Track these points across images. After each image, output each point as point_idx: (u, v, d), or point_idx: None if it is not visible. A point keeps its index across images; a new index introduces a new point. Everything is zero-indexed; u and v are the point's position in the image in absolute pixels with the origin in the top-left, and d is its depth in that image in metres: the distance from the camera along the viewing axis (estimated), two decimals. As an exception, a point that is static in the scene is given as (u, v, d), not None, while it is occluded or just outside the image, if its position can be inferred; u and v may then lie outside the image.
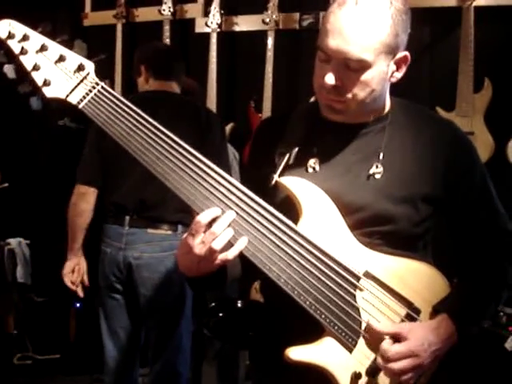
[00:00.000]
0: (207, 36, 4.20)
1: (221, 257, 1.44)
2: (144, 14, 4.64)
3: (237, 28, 4.30)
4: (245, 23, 4.28)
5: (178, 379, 3.13)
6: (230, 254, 1.45)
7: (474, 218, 1.65)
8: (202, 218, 1.42)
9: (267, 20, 3.99)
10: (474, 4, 3.38)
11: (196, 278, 1.52)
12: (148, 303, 3.01)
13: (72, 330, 4.26)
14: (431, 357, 1.49)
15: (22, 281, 4.26)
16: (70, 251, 3.16)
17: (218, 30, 4.18)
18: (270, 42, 3.99)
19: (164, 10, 4.34)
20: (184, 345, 3.13)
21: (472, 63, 3.36)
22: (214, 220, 1.43)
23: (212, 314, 3.18)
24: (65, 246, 4.43)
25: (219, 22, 4.17)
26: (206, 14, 4.26)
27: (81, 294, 3.20)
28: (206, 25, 4.19)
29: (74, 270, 3.17)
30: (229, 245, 1.45)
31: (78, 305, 4.26)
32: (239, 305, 3.16)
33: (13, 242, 4.28)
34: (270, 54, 3.98)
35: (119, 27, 4.59)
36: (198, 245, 1.42)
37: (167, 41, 4.29)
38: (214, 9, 4.16)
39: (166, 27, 4.33)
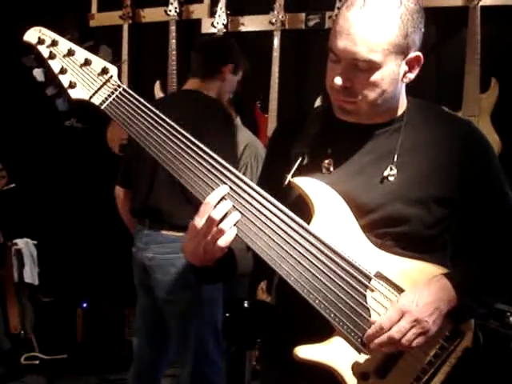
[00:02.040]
0: (213, 36, 4.20)
1: (220, 241, 1.45)
2: (150, 14, 4.65)
3: (243, 28, 4.30)
4: (251, 23, 4.28)
5: None
6: (226, 238, 1.46)
7: (490, 219, 1.64)
8: (211, 198, 1.45)
9: (273, 20, 3.99)
10: (481, 3, 3.37)
11: (202, 268, 1.54)
12: (163, 306, 3.01)
13: (79, 330, 4.27)
14: (427, 311, 1.46)
15: (30, 281, 4.28)
16: None
17: (224, 30, 4.18)
18: (276, 42, 3.99)
19: (170, 11, 4.34)
20: (211, 355, 3.04)
21: (478, 63, 3.36)
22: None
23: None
24: (72, 246, 4.47)
25: (225, 22, 4.17)
26: (212, 14, 4.26)
27: None
28: (212, 25, 4.19)
29: None
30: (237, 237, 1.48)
31: (84, 305, 4.28)
32: (246, 305, 3.16)
33: (20, 242, 4.30)
34: (276, 54, 3.98)
35: (125, 28, 4.60)
36: (205, 225, 1.44)
37: (173, 41, 4.30)
38: (220, 9, 4.17)
39: (172, 28, 4.33)
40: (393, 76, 1.51)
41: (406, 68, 1.53)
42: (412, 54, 1.52)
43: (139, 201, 3.03)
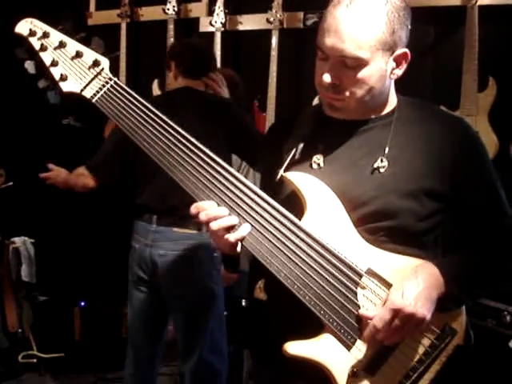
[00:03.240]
0: (211, 35, 4.20)
1: (228, 237, 1.51)
2: (148, 13, 4.65)
3: (241, 27, 4.31)
4: (249, 22, 4.28)
5: (215, 377, 3.13)
6: (234, 236, 1.51)
7: (480, 216, 1.64)
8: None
9: (271, 19, 4.00)
10: (479, 3, 3.37)
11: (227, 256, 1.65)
12: (173, 301, 3.04)
13: (77, 329, 4.27)
14: (417, 302, 1.46)
15: (27, 279, 4.27)
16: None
17: (222, 29, 4.19)
18: (275, 41, 3.99)
19: (168, 9, 4.34)
20: (218, 343, 3.12)
21: (476, 62, 3.36)
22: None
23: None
24: (69, 245, 4.46)
25: (223, 21, 4.18)
26: (211, 13, 4.27)
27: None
28: (211, 24, 4.20)
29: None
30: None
31: (82, 303, 4.28)
32: (243, 303, 3.16)
33: (18, 240, 4.29)
34: (274, 53, 3.98)
35: (123, 26, 4.60)
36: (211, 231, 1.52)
37: (171, 40, 4.30)
38: (219, 8, 4.17)
39: (171, 26, 4.33)
40: (380, 72, 1.52)
41: (394, 64, 1.54)
42: (399, 51, 1.53)
43: (148, 197, 3.01)
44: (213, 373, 3.12)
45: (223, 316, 3.14)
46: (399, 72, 1.57)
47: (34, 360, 4.14)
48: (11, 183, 4.16)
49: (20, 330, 4.14)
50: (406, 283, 1.49)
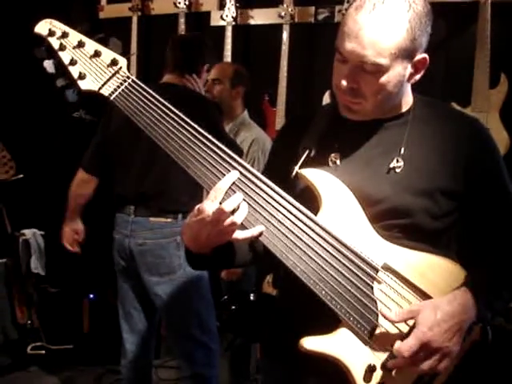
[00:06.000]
0: (222, 29, 4.20)
1: (235, 235, 1.47)
2: (159, 6, 4.65)
3: (252, 21, 4.31)
4: (260, 17, 4.28)
5: (210, 356, 3.20)
6: (243, 234, 1.48)
7: (493, 216, 1.64)
8: (222, 184, 1.47)
9: (283, 14, 4.00)
10: (491, -1, 3.36)
11: (197, 254, 1.56)
12: (154, 287, 3.10)
13: (85, 321, 4.29)
14: (448, 336, 1.45)
15: (37, 271, 4.29)
16: (68, 219, 3.43)
17: (234, 23, 4.19)
18: (285, 35, 3.99)
19: (179, 3, 4.35)
20: (206, 323, 3.18)
21: (488, 59, 3.35)
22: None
23: (224, 306, 3.20)
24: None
25: (234, 15, 4.18)
26: (222, 7, 4.27)
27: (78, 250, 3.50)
28: (222, 18, 4.20)
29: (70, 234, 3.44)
30: (243, 227, 1.49)
31: (91, 296, 4.29)
32: (251, 298, 3.17)
33: (27, 232, 4.31)
34: (284, 47, 3.98)
35: (135, 20, 4.61)
36: (215, 213, 1.44)
37: (182, 34, 4.30)
38: (230, 2, 4.17)
39: (182, 20, 4.34)
40: (399, 78, 1.52)
41: (412, 70, 1.54)
42: (418, 57, 1.53)
43: (125, 188, 3.11)
44: (208, 351, 3.18)
45: (208, 296, 3.21)
46: (417, 77, 1.57)
47: (43, 352, 4.16)
48: (21, 176, 4.17)
49: (29, 322, 4.16)
50: (440, 309, 1.46)
